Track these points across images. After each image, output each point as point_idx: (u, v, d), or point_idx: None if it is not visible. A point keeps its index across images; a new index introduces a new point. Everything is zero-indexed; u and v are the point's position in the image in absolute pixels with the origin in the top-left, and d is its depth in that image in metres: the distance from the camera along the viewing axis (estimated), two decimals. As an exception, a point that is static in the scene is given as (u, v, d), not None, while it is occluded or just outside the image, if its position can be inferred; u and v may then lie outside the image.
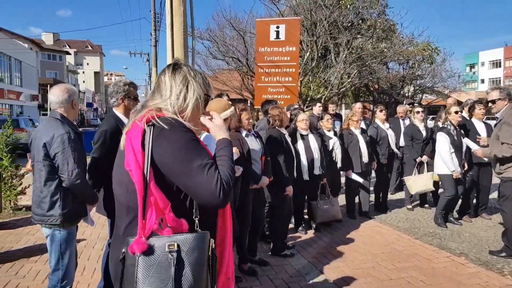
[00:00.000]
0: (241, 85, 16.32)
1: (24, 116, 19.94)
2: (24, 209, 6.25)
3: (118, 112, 3.10)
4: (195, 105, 1.53)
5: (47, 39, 59.69)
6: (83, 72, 71.77)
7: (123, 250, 1.34)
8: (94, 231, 5.16)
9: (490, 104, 4.37)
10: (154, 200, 1.35)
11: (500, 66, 53.48)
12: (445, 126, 5.38)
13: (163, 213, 1.36)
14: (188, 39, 7.21)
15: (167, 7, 6.83)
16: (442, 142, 5.24)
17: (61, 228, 2.65)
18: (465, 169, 5.37)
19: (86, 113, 56.95)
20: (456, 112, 5.30)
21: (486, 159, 5.40)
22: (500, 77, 51.80)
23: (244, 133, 3.84)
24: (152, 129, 1.38)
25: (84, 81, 70.07)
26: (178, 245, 1.30)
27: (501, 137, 4.12)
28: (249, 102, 17.09)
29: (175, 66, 1.57)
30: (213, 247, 1.38)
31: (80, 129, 2.97)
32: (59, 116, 2.67)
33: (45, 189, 2.61)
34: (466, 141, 5.24)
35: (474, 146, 5.00)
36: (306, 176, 4.92)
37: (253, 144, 3.89)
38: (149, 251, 1.29)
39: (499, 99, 4.23)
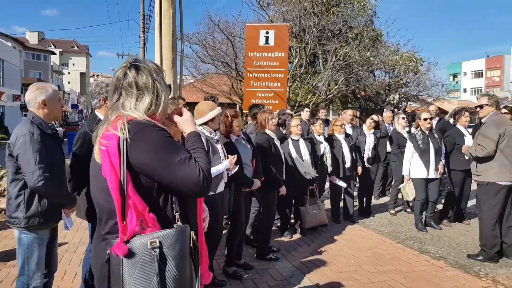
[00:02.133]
0: (230, 89, 16.38)
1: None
2: (3, 212, 6.16)
3: (100, 113, 2.99)
4: (164, 104, 1.56)
5: (32, 38, 58.74)
6: (69, 73, 70.76)
7: (108, 251, 1.36)
8: (76, 235, 5.12)
9: (477, 109, 4.54)
10: (132, 203, 1.37)
11: (482, 76, 54.76)
12: (413, 132, 5.57)
13: (142, 215, 1.38)
14: (176, 42, 7.25)
15: (156, 9, 6.86)
16: (407, 146, 5.53)
17: (27, 231, 2.54)
18: (440, 171, 5.51)
19: (71, 115, 56.02)
20: (425, 119, 5.47)
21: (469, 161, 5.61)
22: (481, 87, 53.02)
23: (234, 138, 3.90)
24: (126, 133, 1.39)
25: (69, 82, 69.09)
26: (159, 241, 1.34)
27: (479, 139, 4.35)
28: (237, 106, 17.15)
29: (137, 68, 1.53)
30: (194, 239, 1.43)
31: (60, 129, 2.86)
32: (31, 116, 2.58)
33: (10, 190, 2.54)
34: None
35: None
36: (309, 175, 5.02)
37: (244, 147, 3.95)
38: (131, 251, 1.33)
39: (487, 105, 4.42)
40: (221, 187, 3.47)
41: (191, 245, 1.42)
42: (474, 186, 6.33)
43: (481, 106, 4.48)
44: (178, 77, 7.68)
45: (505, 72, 49.30)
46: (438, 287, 3.70)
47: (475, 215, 6.12)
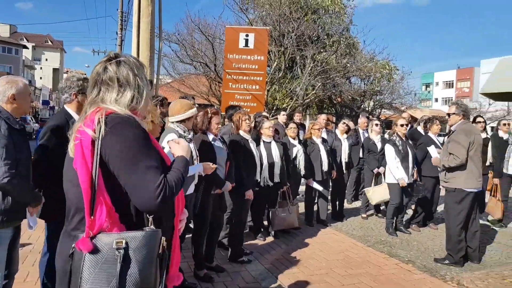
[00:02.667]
0: (208, 91, 16.30)
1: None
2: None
3: (70, 108, 2.90)
4: (146, 100, 1.53)
5: (3, 30, 56.69)
6: (41, 68, 68.64)
7: (73, 245, 1.33)
8: (41, 236, 4.91)
9: (447, 117, 4.70)
10: (103, 198, 1.35)
11: (452, 87, 56.64)
12: (392, 138, 5.69)
13: (113, 211, 1.36)
14: (154, 40, 7.16)
15: (134, 6, 6.75)
16: (389, 152, 5.59)
17: None
18: (414, 178, 5.66)
19: (41, 111, 54.29)
20: (402, 125, 5.61)
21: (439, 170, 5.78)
22: (452, 97, 54.82)
23: (211, 137, 3.87)
24: (102, 126, 1.36)
25: (41, 78, 66.99)
26: (126, 242, 1.30)
27: (449, 148, 4.47)
28: (215, 107, 17.05)
29: (118, 62, 1.50)
30: (164, 245, 1.38)
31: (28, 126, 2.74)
32: None
33: None
34: (430, 149, 5.45)
35: (435, 155, 5.25)
36: (266, 183, 5.00)
37: (219, 149, 3.93)
38: (96, 248, 1.29)
39: (454, 113, 4.56)
40: (191, 189, 3.44)
41: (160, 251, 1.37)
42: (442, 192, 6.56)
43: (449, 114, 4.64)
44: (155, 75, 7.59)
45: (474, 83, 51.12)
46: (405, 290, 3.79)
47: (443, 221, 6.31)
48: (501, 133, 6.53)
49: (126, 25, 20.10)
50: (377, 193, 5.98)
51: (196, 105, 4.09)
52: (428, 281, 4.03)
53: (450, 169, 4.47)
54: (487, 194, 6.37)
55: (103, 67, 1.50)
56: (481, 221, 6.34)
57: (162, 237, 1.38)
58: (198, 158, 3.49)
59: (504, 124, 6.65)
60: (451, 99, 54.13)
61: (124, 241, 1.29)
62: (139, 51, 7.05)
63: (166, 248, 1.40)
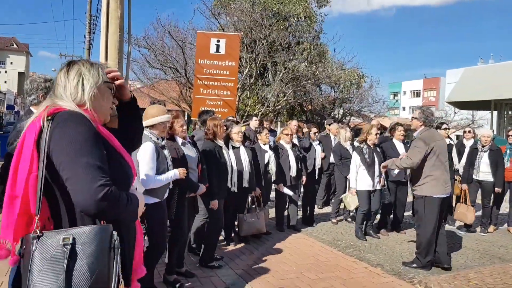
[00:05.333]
0: (179, 96, 16.14)
1: None
2: None
3: (36, 110, 2.83)
4: (93, 94, 1.50)
5: (-36, 32, 54.22)
6: (6, 72, 66.02)
7: (24, 247, 1.34)
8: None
9: (411, 120, 4.82)
10: (49, 196, 1.37)
11: (419, 96, 58.69)
12: (360, 146, 5.79)
13: (58, 210, 1.38)
14: (123, 44, 7.00)
15: (103, 8, 6.59)
16: (354, 160, 5.70)
17: None
18: (381, 184, 5.77)
19: (6, 116, 52.06)
20: (376, 134, 5.72)
21: (404, 179, 5.92)
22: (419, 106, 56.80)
23: (180, 141, 3.81)
24: (49, 124, 1.36)
25: (6, 82, 64.36)
26: (74, 238, 1.29)
27: (408, 152, 4.67)
28: (186, 113, 16.89)
29: (69, 64, 1.55)
30: (116, 239, 1.37)
31: None
32: None
33: None
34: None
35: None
36: (234, 188, 4.94)
37: (190, 152, 3.88)
38: (44, 246, 1.29)
39: (416, 118, 4.68)
40: (166, 194, 3.40)
41: (113, 245, 1.35)
42: (409, 198, 6.72)
43: (412, 118, 4.78)
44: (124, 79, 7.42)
45: (440, 92, 53.10)
46: (374, 292, 3.83)
47: (410, 225, 6.47)
48: (464, 141, 6.79)
49: (95, 29, 19.68)
50: (354, 199, 6.04)
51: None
52: (396, 284, 4.09)
53: (415, 178, 4.57)
54: (454, 198, 6.56)
55: (58, 72, 1.56)
56: (448, 227, 6.56)
57: (114, 232, 1.37)
58: (172, 165, 3.45)
59: (469, 131, 6.93)
60: (418, 108, 56.11)
61: (71, 237, 1.29)
62: (107, 54, 6.88)
63: (118, 241, 1.37)
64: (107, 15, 6.73)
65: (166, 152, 3.41)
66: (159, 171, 3.25)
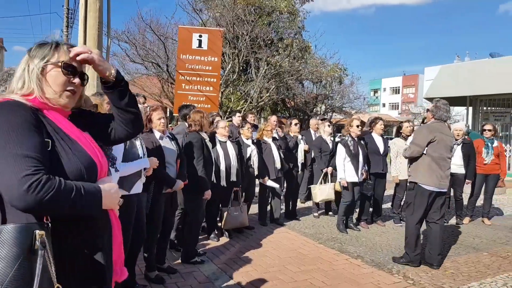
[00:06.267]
0: (160, 92, 15.98)
1: None
2: None
3: None
4: (35, 78, 1.38)
5: None
6: (-22, 66, 63.90)
7: None
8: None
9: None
10: None
11: (399, 93, 59.72)
12: (344, 138, 5.88)
13: None
14: (103, 38, 6.89)
15: (81, 0, 6.45)
16: (339, 152, 5.77)
17: None
18: (363, 177, 5.88)
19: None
20: (357, 126, 5.81)
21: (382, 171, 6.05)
22: (398, 102, 57.82)
23: (158, 135, 3.76)
24: None
25: (-22, 76, 62.30)
26: None
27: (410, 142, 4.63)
28: (168, 109, 16.74)
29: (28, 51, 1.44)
30: (38, 240, 1.21)
31: None
32: None
33: None
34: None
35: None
36: (223, 182, 4.97)
37: (168, 146, 3.83)
38: None
39: (429, 110, 4.75)
40: (138, 188, 3.29)
41: (36, 247, 1.19)
42: (389, 192, 6.87)
43: (427, 110, 4.81)
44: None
45: (419, 89, 54.16)
46: (355, 283, 3.90)
47: (390, 218, 6.61)
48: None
49: (73, 23, 19.23)
50: (322, 192, 6.14)
51: (148, 106, 3.95)
52: (376, 274, 4.18)
53: (413, 162, 4.50)
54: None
55: None
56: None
57: (36, 231, 1.21)
58: (146, 156, 3.39)
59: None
60: (398, 105, 57.08)
61: None
62: (86, 48, 6.76)
63: (41, 242, 1.21)
64: (86, 8, 6.59)
65: (138, 142, 3.31)
66: (128, 160, 3.13)
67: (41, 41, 1.45)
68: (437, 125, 4.46)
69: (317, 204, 6.74)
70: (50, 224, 1.25)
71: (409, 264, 4.44)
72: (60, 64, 1.39)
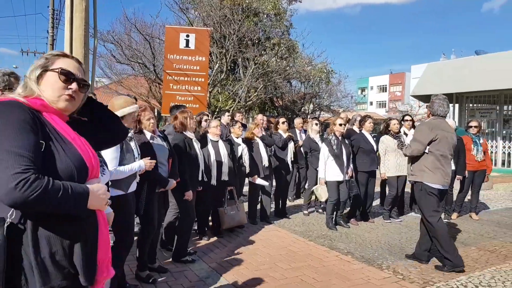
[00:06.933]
0: (148, 92, 15.87)
1: None
2: None
3: None
4: (34, 81, 1.47)
5: None
6: (-39, 68, 62.53)
7: None
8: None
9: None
10: None
11: (386, 91, 60.37)
12: (328, 137, 5.93)
13: None
14: (89, 38, 6.82)
15: (66, 1, 6.37)
16: (323, 151, 5.82)
17: None
18: (349, 175, 5.93)
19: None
20: (341, 125, 5.86)
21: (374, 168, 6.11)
22: (385, 101, 58.41)
23: (148, 135, 3.75)
24: None
25: (-39, 78, 61.05)
26: None
27: (410, 140, 4.47)
28: (156, 110, 16.64)
29: None
30: (4, 234, 1.28)
31: None
32: None
33: None
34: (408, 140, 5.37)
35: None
36: (213, 182, 4.96)
37: (159, 146, 3.82)
38: None
39: (427, 105, 4.62)
40: (133, 187, 3.32)
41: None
42: (376, 189, 6.93)
43: (426, 107, 4.68)
44: (90, 76, 7.22)
45: (406, 87, 54.81)
46: (345, 279, 3.94)
47: (378, 214, 6.68)
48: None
49: (58, 24, 19.00)
50: (325, 190, 6.16)
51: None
52: (366, 270, 4.23)
53: (415, 162, 4.38)
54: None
55: None
56: (413, 214, 6.83)
57: (2, 227, 1.27)
58: (140, 157, 3.39)
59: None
60: (385, 103, 57.66)
61: None
62: (72, 49, 6.67)
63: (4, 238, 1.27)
64: (71, 8, 6.52)
65: (132, 144, 3.32)
66: (123, 162, 3.15)
67: (52, 52, 1.58)
68: (437, 122, 4.35)
69: (308, 203, 6.78)
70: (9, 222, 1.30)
71: (455, 269, 4.12)
72: (57, 70, 1.48)
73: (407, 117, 6.96)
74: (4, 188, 1.19)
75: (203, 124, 5.58)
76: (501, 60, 13.34)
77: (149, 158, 3.41)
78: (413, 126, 6.87)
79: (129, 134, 3.32)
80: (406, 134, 6.58)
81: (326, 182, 5.80)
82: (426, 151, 4.30)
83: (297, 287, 3.72)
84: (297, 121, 7.79)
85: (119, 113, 3.22)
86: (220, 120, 7.64)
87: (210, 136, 5.09)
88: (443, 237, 4.20)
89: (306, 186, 7.33)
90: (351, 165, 6.00)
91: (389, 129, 6.46)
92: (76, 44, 6.71)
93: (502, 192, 9.65)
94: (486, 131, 14.67)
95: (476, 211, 6.85)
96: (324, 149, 5.82)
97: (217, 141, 5.13)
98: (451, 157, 4.40)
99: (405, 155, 4.61)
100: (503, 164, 14.37)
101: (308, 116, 8.85)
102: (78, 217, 1.40)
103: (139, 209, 3.52)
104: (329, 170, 5.76)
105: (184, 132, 4.43)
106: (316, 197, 6.34)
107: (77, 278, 1.41)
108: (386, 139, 6.36)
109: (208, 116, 5.92)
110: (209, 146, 5.03)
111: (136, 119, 3.58)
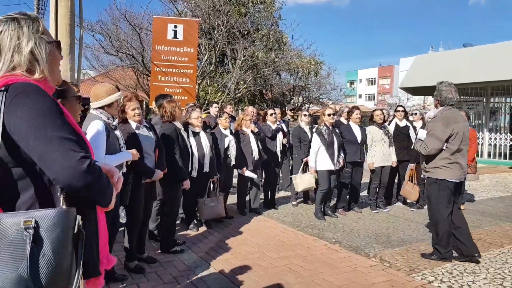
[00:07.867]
0: (136, 84, 15.69)
1: None
2: None
3: None
4: (48, 58, 1.35)
5: None
6: None
7: None
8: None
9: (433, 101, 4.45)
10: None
11: (375, 84, 60.68)
12: (319, 127, 5.96)
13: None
14: (75, 28, 6.70)
15: (51, -11, 6.23)
16: (314, 141, 5.86)
17: None
18: (341, 165, 5.97)
19: None
20: (329, 115, 5.88)
21: (359, 160, 6.15)
22: (374, 93, 58.74)
23: (134, 125, 3.70)
24: (4, 95, 1.22)
25: None
26: (36, 221, 1.16)
27: (426, 134, 4.20)
28: (144, 102, 16.46)
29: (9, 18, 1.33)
30: (80, 224, 1.27)
31: None
32: None
33: None
34: (419, 132, 5.13)
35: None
36: (194, 173, 4.92)
37: (146, 136, 3.77)
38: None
39: (434, 95, 4.36)
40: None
41: (76, 230, 1.25)
42: (365, 179, 6.99)
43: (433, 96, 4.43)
44: (76, 67, 7.11)
45: (394, 80, 55.13)
46: (333, 267, 3.99)
47: (366, 205, 6.74)
48: (414, 123, 7.11)
49: (43, 14, 18.56)
50: (303, 181, 6.20)
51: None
52: (353, 258, 4.28)
53: (430, 159, 4.18)
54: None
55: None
56: (400, 204, 6.92)
57: (78, 216, 1.26)
58: (125, 146, 3.35)
59: (416, 114, 7.27)
60: (374, 96, 58.00)
61: (33, 220, 1.16)
62: (57, 38, 6.56)
63: (82, 226, 1.28)
64: (56, -3, 6.41)
65: (118, 132, 3.27)
66: (109, 152, 3.10)
67: (23, 12, 1.37)
68: (449, 114, 4.12)
69: (296, 193, 6.81)
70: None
71: (441, 260, 4.17)
72: (54, 42, 1.40)
73: (399, 108, 7.04)
74: (77, 172, 1.20)
75: (183, 113, 5.51)
76: (488, 53, 13.53)
77: (136, 151, 3.38)
78: (406, 117, 6.95)
79: (114, 123, 3.28)
80: (415, 128, 6.65)
81: (316, 172, 5.83)
82: (444, 147, 4.10)
83: (285, 275, 3.76)
84: (277, 111, 7.77)
85: (107, 100, 3.18)
86: (209, 113, 7.60)
87: (191, 128, 5.02)
88: (444, 233, 4.15)
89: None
90: (342, 155, 6.03)
91: (373, 119, 6.54)
92: (62, 34, 6.60)
93: (487, 183, 9.83)
94: (473, 123, 14.88)
95: (462, 201, 6.96)
96: (315, 139, 5.83)
97: (199, 133, 5.06)
98: (466, 147, 4.21)
99: (418, 150, 4.30)
100: (489, 155, 14.62)
101: (287, 109, 8.84)
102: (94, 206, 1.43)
103: (124, 199, 3.49)
104: (320, 159, 5.78)
105: (173, 122, 4.40)
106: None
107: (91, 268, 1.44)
108: (372, 129, 6.43)
109: (200, 108, 5.85)
110: (191, 137, 4.94)
111: (120, 108, 3.53)
